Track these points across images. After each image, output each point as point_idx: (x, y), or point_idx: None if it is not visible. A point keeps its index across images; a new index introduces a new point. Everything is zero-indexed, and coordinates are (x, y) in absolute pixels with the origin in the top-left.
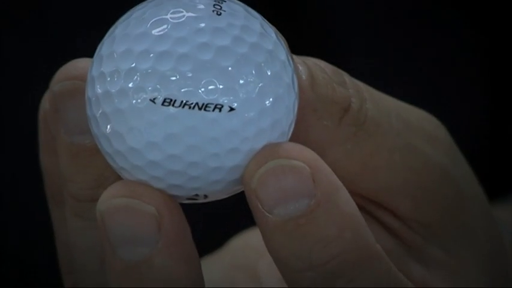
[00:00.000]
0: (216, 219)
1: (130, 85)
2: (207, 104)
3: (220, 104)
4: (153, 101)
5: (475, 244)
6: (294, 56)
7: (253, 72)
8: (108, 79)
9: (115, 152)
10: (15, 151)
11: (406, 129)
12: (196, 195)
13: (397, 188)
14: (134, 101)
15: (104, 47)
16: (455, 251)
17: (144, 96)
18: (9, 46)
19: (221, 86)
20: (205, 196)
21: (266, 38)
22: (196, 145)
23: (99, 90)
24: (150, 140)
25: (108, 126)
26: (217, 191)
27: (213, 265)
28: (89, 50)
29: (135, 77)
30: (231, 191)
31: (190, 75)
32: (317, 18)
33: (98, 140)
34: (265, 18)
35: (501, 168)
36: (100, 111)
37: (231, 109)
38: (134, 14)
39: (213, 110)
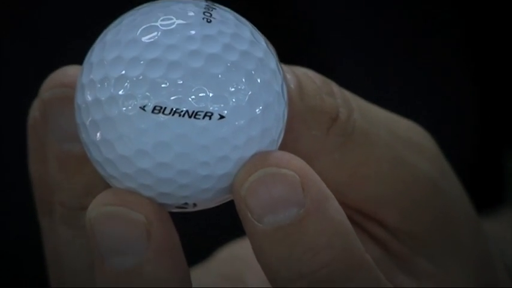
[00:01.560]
0: (204, 230)
1: (120, 92)
2: (197, 112)
3: (210, 112)
4: (143, 108)
5: (463, 255)
6: (283, 66)
7: (244, 80)
8: (98, 86)
9: (104, 160)
10: (5, 157)
11: (395, 140)
12: (186, 203)
13: (384, 198)
14: (124, 109)
15: (94, 54)
16: (443, 262)
17: (134, 103)
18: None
19: (211, 94)
20: (195, 205)
21: (256, 46)
22: (186, 153)
23: (89, 98)
24: (140, 147)
25: (98, 134)
26: (207, 200)
27: (201, 275)
28: (79, 56)
29: (125, 84)
30: (220, 199)
31: (180, 82)
32: (301, 16)
33: (87, 148)
34: (247, 16)
35: (489, 181)
36: (89, 119)
37: (221, 117)
38: (124, 21)
39: (203, 118)
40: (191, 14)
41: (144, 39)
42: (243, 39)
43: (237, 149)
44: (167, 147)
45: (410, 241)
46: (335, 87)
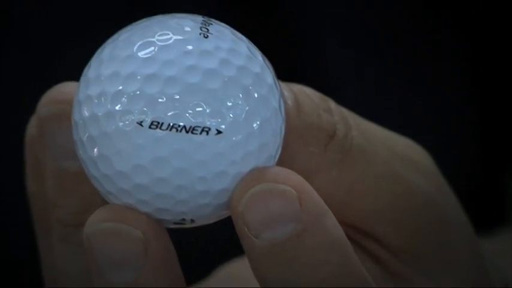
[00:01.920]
0: (203, 246)
1: (117, 108)
2: (194, 127)
3: (208, 127)
4: (140, 123)
5: (459, 272)
6: (280, 83)
7: (241, 95)
8: (95, 102)
9: (102, 176)
10: (4, 158)
11: (392, 157)
12: (183, 219)
13: (382, 215)
14: (121, 124)
15: (91, 70)
16: (439, 278)
17: (132, 118)
18: None
19: (208, 109)
20: (192, 221)
21: (253, 61)
22: (184, 168)
23: (86, 114)
24: (137, 163)
25: (95, 150)
26: (205, 215)
27: None
28: (77, 69)
29: (122, 99)
30: (218, 215)
31: (177, 98)
32: (289, 18)
33: (84, 164)
34: (243, 30)
35: (490, 200)
36: (87, 135)
37: (219, 132)
38: (121, 37)
39: (201, 133)
40: (188, 29)
41: (141, 54)
42: (240, 55)
43: (234, 164)
44: (165, 163)
45: (407, 258)
46: (332, 104)
